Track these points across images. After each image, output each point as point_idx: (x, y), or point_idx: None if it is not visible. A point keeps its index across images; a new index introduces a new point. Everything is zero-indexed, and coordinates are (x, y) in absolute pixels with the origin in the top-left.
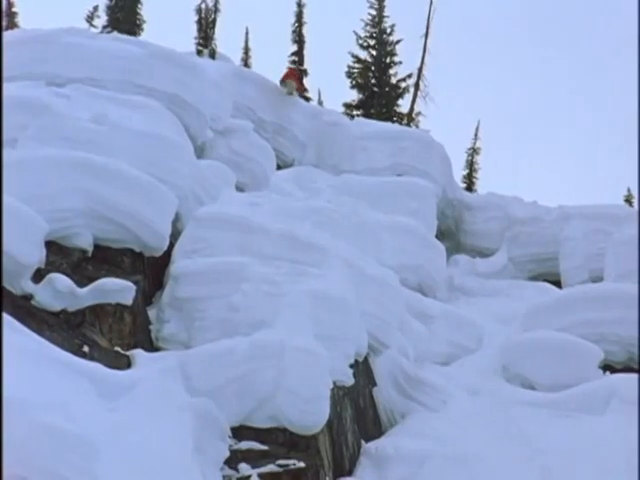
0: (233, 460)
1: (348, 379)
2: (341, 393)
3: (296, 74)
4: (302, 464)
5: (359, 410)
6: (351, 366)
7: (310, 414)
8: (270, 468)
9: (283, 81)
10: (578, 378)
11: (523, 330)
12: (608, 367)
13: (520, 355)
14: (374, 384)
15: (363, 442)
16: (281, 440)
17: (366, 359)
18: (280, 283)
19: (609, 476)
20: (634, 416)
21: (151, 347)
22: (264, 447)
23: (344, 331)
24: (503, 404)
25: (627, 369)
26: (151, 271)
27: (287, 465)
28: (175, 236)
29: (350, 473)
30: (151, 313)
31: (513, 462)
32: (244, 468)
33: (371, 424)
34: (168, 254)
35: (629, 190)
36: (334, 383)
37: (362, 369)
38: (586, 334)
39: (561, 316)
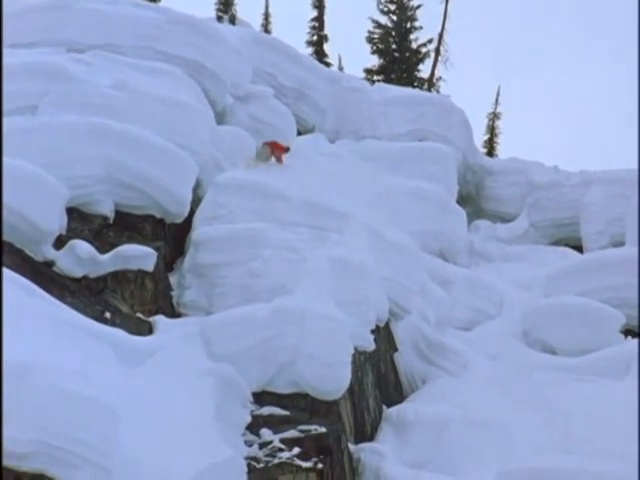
0: (255, 425)
1: (369, 344)
2: (362, 358)
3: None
4: (323, 429)
5: (380, 375)
6: (372, 331)
7: (331, 379)
8: (292, 433)
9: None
10: (599, 343)
11: (544, 295)
12: (629, 332)
13: (541, 320)
14: (395, 349)
15: (384, 407)
16: (302, 405)
17: (387, 324)
18: (301, 249)
19: (629, 440)
20: None
21: (172, 313)
22: (285, 412)
23: (365, 297)
24: (524, 369)
25: None
26: (172, 237)
27: (309, 430)
28: (196, 202)
29: (372, 438)
30: (172, 279)
31: (534, 426)
32: (266, 433)
33: (392, 389)
34: (189, 221)
35: None
36: (355, 348)
37: (383, 334)
38: (607, 299)
39: (582, 281)
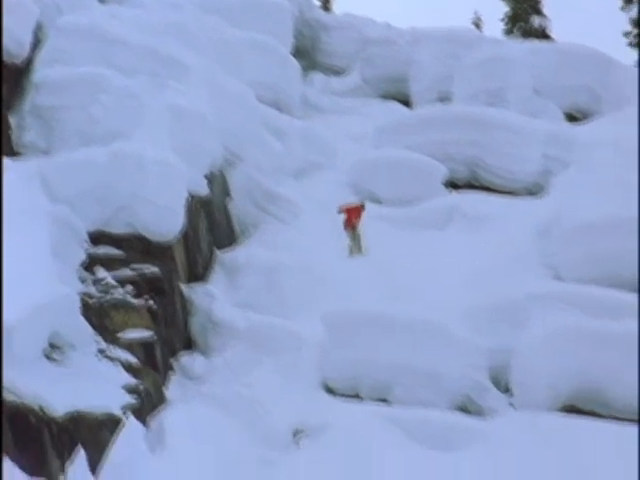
0: (90, 265)
1: (203, 190)
2: (196, 204)
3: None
4: (157, 270)
5: (214, 221)
6: (207, 178)
7: (166, 222)
8: (126, 273)
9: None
10: (423, 194)
11: (373, 148)
12: (452, 184)
13: (369, 172)
14: (229, 196)
15: (217, 251)
16: (137, 247)
17: (222, 172)
18: (140, 96)
19: (451, 288)
20: (473, 230)
21: (11, 153)
22: (120, 253)
23: (201, 145)
24: None
25: (469, 186)
26: (12, 78)
27: (142, 270)
28: (37, 45)
29: (203, 278)
30: (12, 120)
31: (361, 274)
32: (100, 272)
33: (225, 235)
34: (29, 62)
35: (476, 13)
36: (190, 194)
37: (218, 182)
38: (433, 153)
39: (409, 135)
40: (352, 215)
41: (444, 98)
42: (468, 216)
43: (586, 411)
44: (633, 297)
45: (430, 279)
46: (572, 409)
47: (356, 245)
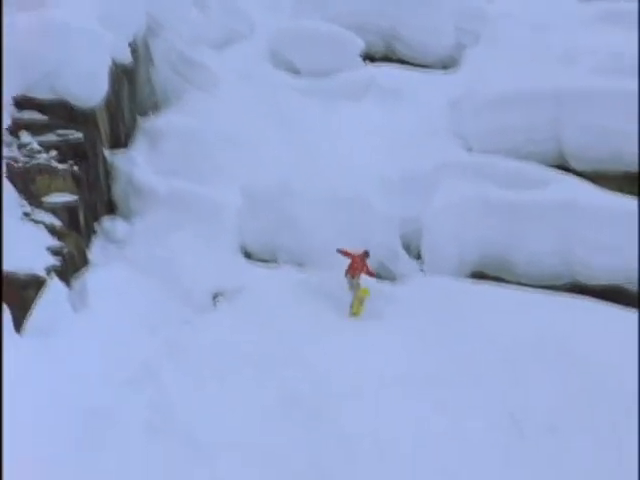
0: (15, 129)
1: (127, 58)
2: (120, 72)
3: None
4: (80, 136)
5: (136, 89)
6: (131, 47)
7: (89, 88)
8: (50, 138)
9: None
10: (341, 65)
11: (292, 19)
12: (368, 57)
13: (288, 43)
14: (152, 64)
15: (139, 119)
16: (62, 113)
17: (146, 41)
18: None
19: (366, 157)
20: (388, 102)
21: None
22: (45, 118)
23: (125, 13)
24: (271, 88)
25: (385, 59)
26: None
27: (66, 136)
28: None
29: (126, 145)
30: None
31: (279, 143)
32: (25, 137)
33: (147, 102)
34: None
35: None
36: (113, 62)
37: (141, 50)
38: (350, 24)
39: (327, 7)
40: (356, 263)
41: None
42: (384, 88)
43: (492, 277)
44: (538, 169)
45: (346, 149)
46: (480, 275)
47: (356, 299)
